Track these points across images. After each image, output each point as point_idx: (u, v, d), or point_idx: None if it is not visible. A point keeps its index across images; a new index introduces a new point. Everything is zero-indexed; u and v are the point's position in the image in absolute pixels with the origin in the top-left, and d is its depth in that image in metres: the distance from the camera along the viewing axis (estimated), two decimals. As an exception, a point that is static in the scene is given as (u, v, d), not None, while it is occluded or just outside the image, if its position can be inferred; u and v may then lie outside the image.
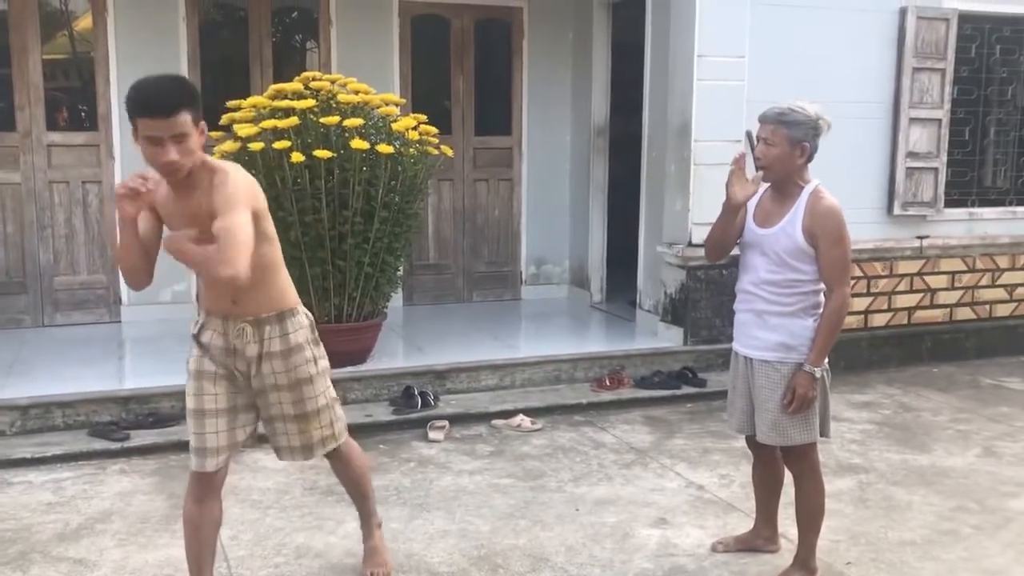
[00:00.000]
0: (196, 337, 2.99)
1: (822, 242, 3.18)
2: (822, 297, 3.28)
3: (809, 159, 3.24)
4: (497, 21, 7.62)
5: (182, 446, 4.70)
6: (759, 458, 3.59)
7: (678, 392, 5.75)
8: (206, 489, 2.99)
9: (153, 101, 2.68)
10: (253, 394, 3.03)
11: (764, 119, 3.25)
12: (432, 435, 4.99)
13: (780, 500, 3.66)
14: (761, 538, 3.69)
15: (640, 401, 5.65)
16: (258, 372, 2.97)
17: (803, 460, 3.38)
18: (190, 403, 2.96)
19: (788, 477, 3.54)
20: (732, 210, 3.28)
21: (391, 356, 5.89)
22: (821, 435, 3.36)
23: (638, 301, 6.78)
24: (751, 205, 3.40)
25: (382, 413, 5.23)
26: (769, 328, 3.28)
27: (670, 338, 6.24)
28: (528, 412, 5.31)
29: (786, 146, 3.19)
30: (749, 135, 3.31)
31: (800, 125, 3.18)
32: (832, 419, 5.37)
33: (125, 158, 6.65)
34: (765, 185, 3.34)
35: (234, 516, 3.94)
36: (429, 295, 7.64)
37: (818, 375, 3.23)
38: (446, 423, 5.12)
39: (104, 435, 4.74)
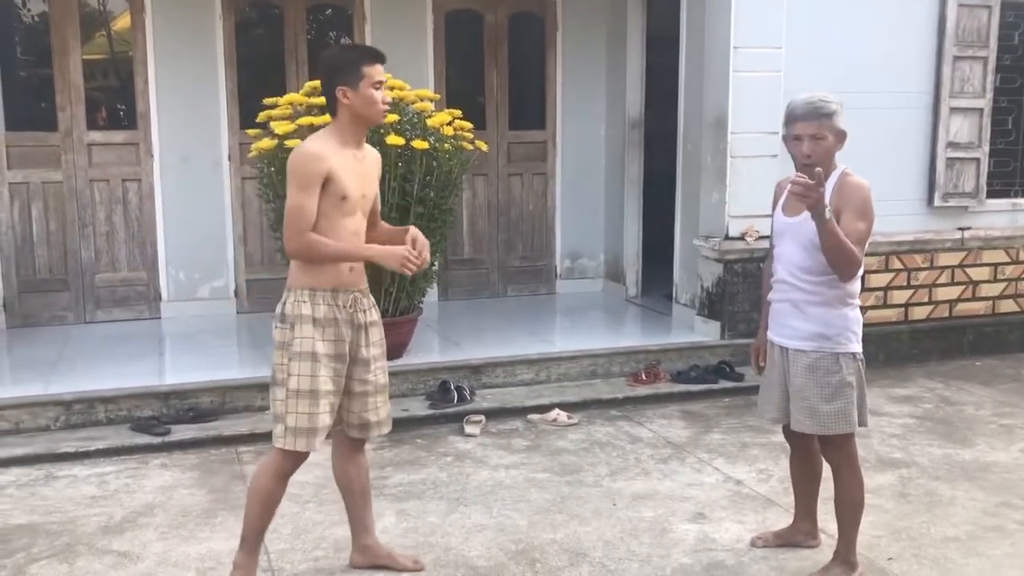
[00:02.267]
0: (304, 315, 3.06)
1: (845, 214, 3.17)
2: (857, 285, 3.28)
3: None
4: (530, 15, 7.61)
5: (222, 440, 4.81)
6: (796, 450, 3.57)
7: (715, 386, 5.72)
8: (296, 467, 3.17)
9: (381, 52, 3.17)
10: (350, 372, 3.17)
11: (805, 116, 3.19)
12: (468, 429, 5.01)
13: (819, 494, 3.63)
14: (801, 533, 3.65)
15: (677, 395, 5.62)
16: (367, 342, 3.20)
17: (840, 451, 3.35)
18: (304, 384, 3.05)
19: (827, 471, 3.50)
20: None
21: (427, 351, 5.92)
22: (860, 424, 3.34)
23: (674, 295, 6.75)
24: (780, 196, 3.43)
25: (418, 408, 5.25)
26: (806, 318, 3.28)
27: (707, 332, 6.20)
28: (564, 406, 5.30)
29: (832, 137, 3.20)
30: None
31: (837, 114, 3.20)
32: (872, 413, 5.32)
33: (164, 156, 6.74)
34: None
35: (274, 510, 3.98)
36: (464, 290, 7.66)
37: (827, 216, 3.05)
38: (482, 417, 5.12)
39: (146, 430, 4.81)
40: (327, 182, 3.01)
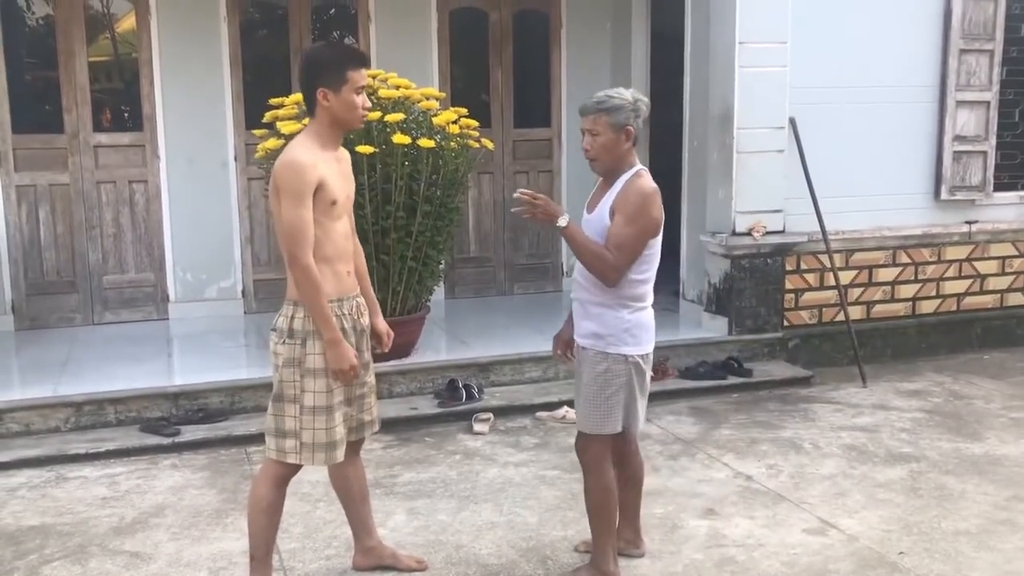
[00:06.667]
0: (317, 331, 3.01)
1: (617, 216, 3.11)
2: (642, 289, 3.20)
3: (634, 143, 3.23)
4: (535, 12, 7.60)
5: (231, 441, 4.82)
6: (613, 452, 3.37)
7: (724, 382, 5.71)
8: (293, 475, 3.18)
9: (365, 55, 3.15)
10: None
11: (584, 111, 3.22)
12: (477, 427, 5.01)
13: (641, 499, 3.57)
14: (622, 540, 3.50)
15: (685, 392, 5.62)
16: (366, 346, 3.23)
17: (587, 452, 3.28)
18: (320, 400, 3.03)
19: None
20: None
21: (435, 349, 5.92)
22: (626, 430, 3.29)
23: (681, 291, 6.74)
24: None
25: (427, 406, 5.25)
26: (588, 317, 3.24)
27: (715, 328, 6.19)
28: (572, 404, 5.28)
29: (610, 132, 3.17)
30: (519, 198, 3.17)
31: (620, 110, 3.16)
32: (881, 408, 5.33)
33: (170, 157, 6.75)
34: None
35: (284, 509, 3.94)
36: (470, 288, 7.65)
37: (562, 224, 3.08)
38: (491, 415, 5.13)
39: (155, 431, 4.82)
40: (318, 189, 2.94)
